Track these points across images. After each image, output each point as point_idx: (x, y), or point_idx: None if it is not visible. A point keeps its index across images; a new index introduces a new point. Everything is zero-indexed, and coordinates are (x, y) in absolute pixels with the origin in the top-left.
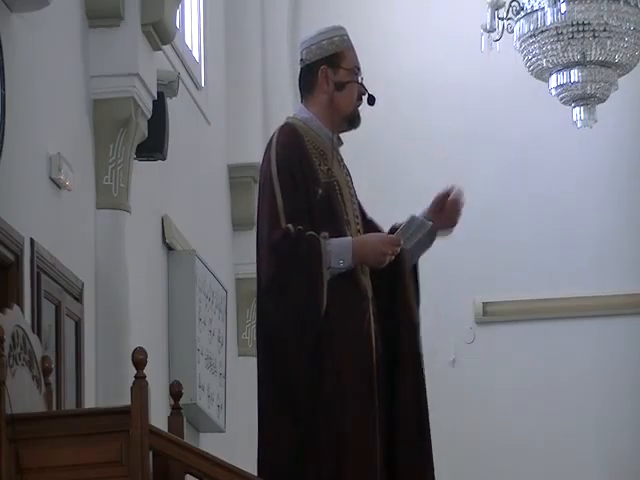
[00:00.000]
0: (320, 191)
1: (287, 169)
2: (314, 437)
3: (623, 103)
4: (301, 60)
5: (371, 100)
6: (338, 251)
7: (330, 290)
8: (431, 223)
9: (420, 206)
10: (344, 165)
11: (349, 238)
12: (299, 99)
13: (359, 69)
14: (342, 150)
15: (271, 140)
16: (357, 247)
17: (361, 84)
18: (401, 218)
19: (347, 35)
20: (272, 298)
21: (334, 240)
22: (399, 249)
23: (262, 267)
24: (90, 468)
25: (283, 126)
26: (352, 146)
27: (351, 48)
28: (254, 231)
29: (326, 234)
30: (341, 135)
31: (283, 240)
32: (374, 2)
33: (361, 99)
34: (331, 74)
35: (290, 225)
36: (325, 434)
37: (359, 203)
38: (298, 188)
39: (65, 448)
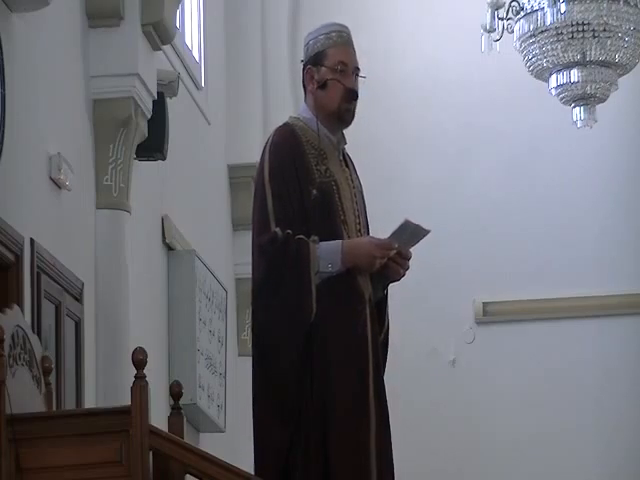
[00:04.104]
0: (315, 192)
1: (279, 171)
2: (304, 437)
3: (623, 103)
4: (301, 60)
5: (353, 95)
6: (326, 255)
7: (326, 292)
8: (429, 230)
9: (420, 203)
10: (349, 165)
11: (339, 242)
12: (303, 98)
13: (346, 64)
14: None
15: (267, 142)
16: (346, 251)
17: (339, 80)
18: (401, 216)
19: (342, 32)
20: (261, 301)
21: (323, 244)
22: (391, 253)
23: (253, 270)
24: (90, 468)
25: (280, 127)
26: (353, 143)
27: (339, 45)
28: None
29: (316, 238)
30: (344, 132)
31: (270, 244)
32: (375, 1)
33: (350, 95)
34: (315, 73)
35: (278, 229)
36: (315, 434)
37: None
38: (290, 190)
39: (65, 448)
